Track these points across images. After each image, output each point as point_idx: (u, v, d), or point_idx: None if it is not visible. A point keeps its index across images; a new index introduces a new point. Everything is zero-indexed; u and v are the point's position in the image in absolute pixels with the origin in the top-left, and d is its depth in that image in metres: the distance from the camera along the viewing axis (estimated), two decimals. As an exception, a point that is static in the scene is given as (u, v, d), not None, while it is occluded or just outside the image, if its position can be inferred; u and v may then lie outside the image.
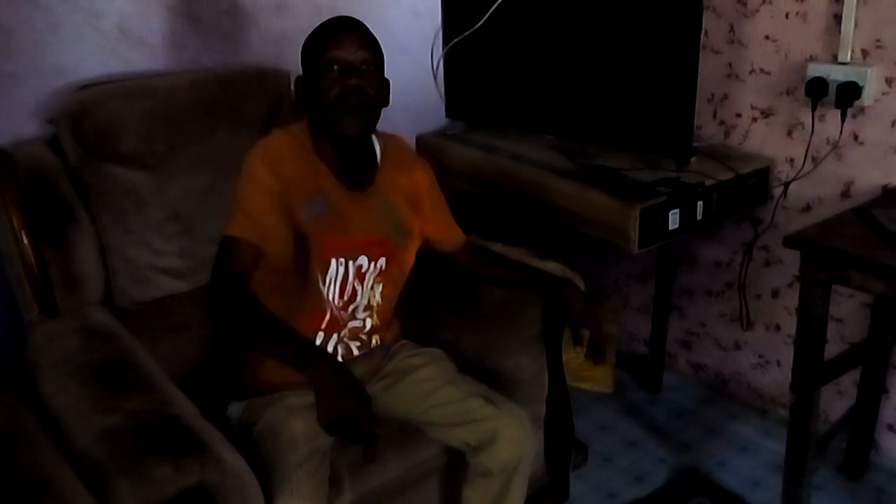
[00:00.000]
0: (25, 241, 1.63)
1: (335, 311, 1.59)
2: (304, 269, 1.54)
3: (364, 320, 1.63)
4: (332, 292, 1.57)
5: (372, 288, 1.62)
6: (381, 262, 1.61)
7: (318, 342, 1.59)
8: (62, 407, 1.43)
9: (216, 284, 1.50)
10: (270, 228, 1.49)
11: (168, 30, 1.97)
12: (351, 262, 1.57)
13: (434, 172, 1.75)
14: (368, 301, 1.62)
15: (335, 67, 1.47)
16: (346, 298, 1.58)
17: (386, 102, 1.58)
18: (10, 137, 1.74)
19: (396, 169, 1.66)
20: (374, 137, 1.65)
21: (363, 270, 1.59)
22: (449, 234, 1.78)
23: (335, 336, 1.61)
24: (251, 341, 1.53)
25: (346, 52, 1.47)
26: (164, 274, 1.81)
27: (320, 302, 1.57)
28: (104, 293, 1.77)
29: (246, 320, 1.46)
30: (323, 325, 1.59)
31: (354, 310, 1.61)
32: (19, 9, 1.76)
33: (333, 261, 1.55)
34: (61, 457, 1.33)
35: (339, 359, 1.61)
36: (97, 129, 1.70)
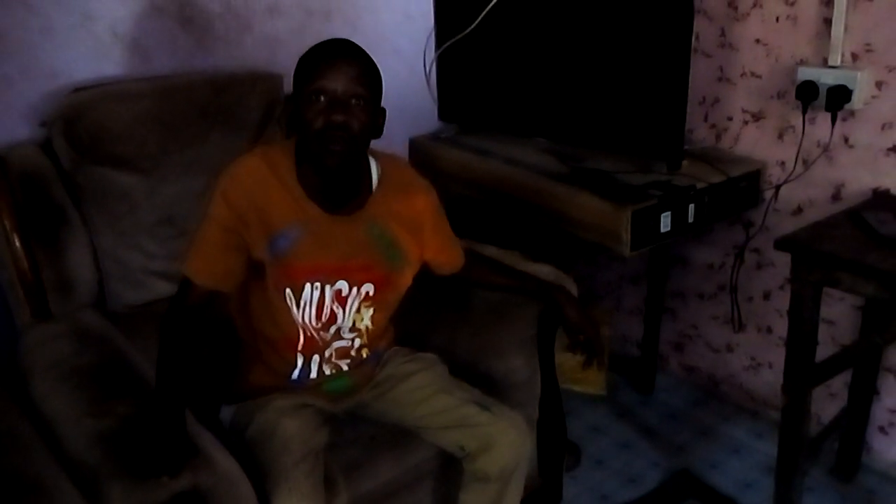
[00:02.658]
0: (18, 244, 1.63)
1: (311, 333, 1.56)
2: (268, 293, 1.52)
3: (352, 340, 1.61)
4: (307, 315, 1.53)
5: (359, 311, 1.58)
6: (368, 287, 1.56)
7: (298, 363, 1.58)
8: (55, 410, 1.43)
9: (168, 313, 1.49)
10: (222, 266, 1.47)
11: (161, 33, 1.97)
12: (328, 287, 1.52)
13: (437, 193, 1.69)
14: (354, 324, 1.59)
15: (322, 98, 1.39)
16: (324, 320, 1.55)
17: (377, 134, 1.50)
18: (2, 140, 1.74)
19: (394, 194, 1.59)
20: (371, 161, 1.58)
21: (343, 295, 1.55)
22: (450, 259, 1.74)
23: (317, 357, 1.59)
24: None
25: (336, 83, 1.39)
26: (156, 277, 1.80)
27: (291, 324, 1.54)
28: (97, 296, 1.77)
29: (166, 350, 1.44)
30: (299, 347, 1.57)
31: (338, 330, 1.58)
32: (12, 12, 1.75)
33: (308, 285, 1.51)
34: (54, 460, 1.33)
35: (327, 374, 1.61)
36: (90, 132, 1.70)
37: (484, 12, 2.29)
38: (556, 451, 1.98)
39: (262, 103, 1.92)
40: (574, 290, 1.83)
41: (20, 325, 1.69)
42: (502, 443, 1.57)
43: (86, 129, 1.70)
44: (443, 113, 2.56)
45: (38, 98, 1.81)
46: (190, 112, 1.82)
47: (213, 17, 2.04)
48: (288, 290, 1.51)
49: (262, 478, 1.40)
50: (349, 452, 1.60)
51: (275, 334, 1.57)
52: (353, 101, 1.41)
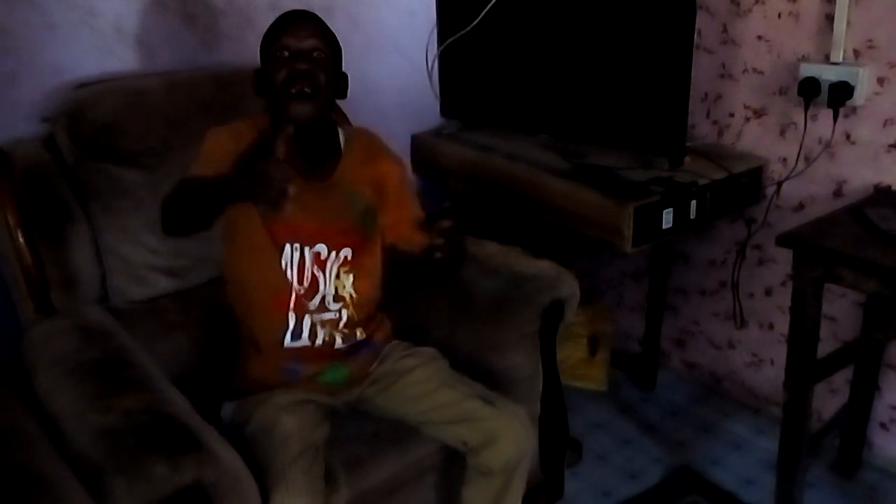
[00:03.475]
0: (21, 240, 1.63)
1: (300, 295, 1.59)
2: (256, 250, 1.56)
3: (339, 311, 1.63)
4: (290, 276, 1.58)
5: (339, 277, 1.62)
6: (346, 252, 1.62)
7: (290, 323, 1.59)
8: (59, 406, 1.44)
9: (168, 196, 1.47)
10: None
11: (164, 29, 1.97)
12: (307, 249, 1.58)
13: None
14: (337, 291, 1.62)
15: (285, 53, 1.50)
16: (306, 285, 1.59)
17: (342, 95, 1.61)
18: (6, 136, 1.74)
19: (362, 160, 1.67)
20: (339, 130, 1.67)
21: (322, 258, 1.59)
22: (410, 235, 1.67)
23: (308, 318, 1.60)
24: (189, 208, 1.44)
25: (296, 38, 1.51)
26: (159, 273, 1.81)
27: (282, 281, 1.58)
28: (100, 292, 1.77)
29: (180, 195, 1.45)
30: (291, 306, 1.59)
31: (323, 300, 1.61)
32: (15, 8, 1.76)
33: (288, 246, 1.57)
34: (58, 456, 1.33)
35: (320, 342, 1.61)
36: (93, 128, 1.70)
37: (486, 9, 2.29)
38: (557, 447, 1.98)
39: (264, 99, 1.92)
40: (576, 286, 1.84)
41: (24, 320, 1.70)
42: (506, 437, 1.58)
43: (89, 125, 1.71)
44: (445, 109, 2.56)
45: (42, 94, 1.81)
46: (193, 108, 1.83)
47: (217, 13, 2.05)
48: (271, 248, 1.56)
49: (261, 474, 1.40)
50: (351, 448, 1.61)
51: (268, 294, 1.58)
52: (315, 53, 1.52)
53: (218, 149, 1.53)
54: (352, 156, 1.67)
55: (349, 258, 1.62)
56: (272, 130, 1.54)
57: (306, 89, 1.50)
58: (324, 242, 1.60)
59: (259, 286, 1.60)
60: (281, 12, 2.11)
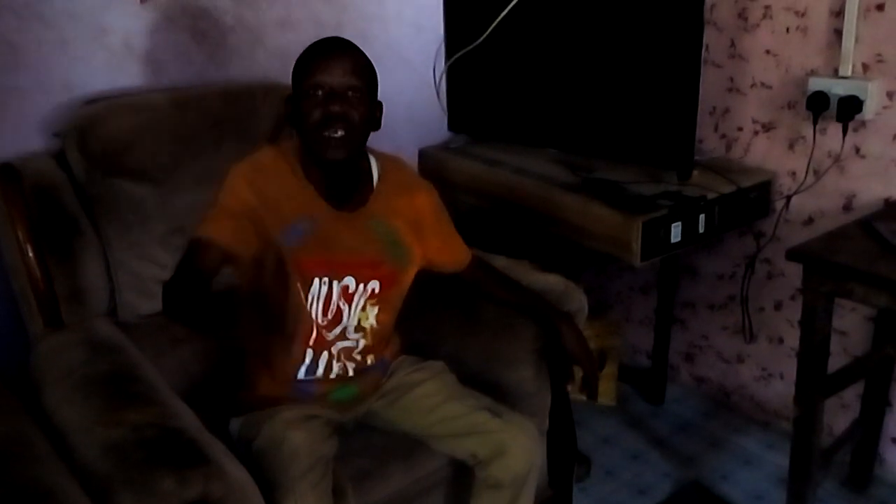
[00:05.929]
0: (31, 255, 1.64)
1: (320, 329, 1.57)
2: (284, 287, 1.52)
3: (357, 341, 1.62)
4: (315, 310, 1.55)
5: (364, 309, 1.60)
6: (374, 285, 1.59)
7: (306, 359, 1.58)
8: (66, 419, 1.44)
9: (174, 277, 1.45)
10: (240, 230, 1.47)
11: (173, 46, 1.98)
12: (336, 282, 1.55)
13: (438, 192, 1.73)
14: (360, 322, 1.60)
15: (319, 92, 1.46)
16: (329, 317, 1.57)
17: (376, 126, 1.57)
18: (16, 151, 1.75)
19: (396, 192, 1.64)
20: (372, 158, 1.64)
21: (350, 291, 1.57)
22: (453, 257, 1.76)
23: (325, 354, 1.59)
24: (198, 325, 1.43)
25: (331, 77, 1.46)
26: (168, 287, 1.81)
27: (305, 320, 1.55)
28: (109, 306, 1.78)
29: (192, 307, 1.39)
30: (311, 343, 1.58)
31: (343, 330, 1.59)
32: (27, 25, 1.77)
33: (316, 280, 1.54)
34: (65, 469, 1.33)
35: (333, 376, 1.61)
36: (103, 143, 1.71)
37: (494, 24, 2.30)
38: (566, 462, 1.97)
39: (273, 114, 1.93)
40: (584, 300, 1.83)
41: (33, 334, 1.70)
42: (514, 449, 1.57)
43: (99, 141, 1.72)
44: (452, 123, 2.57)
45: (53, 110, 1.82)
46: (203, 123, 1.84)
47: (226, 30, 2.06)
48: (297, 284, 1.53)
49: (269, 489, 1.40)
50: (359, 462, 1.60)
51: (287, 332, 1.55)
52: (350, 92, 1.48)
53: (238, 184, 1.50)
54: (385, 188, 1.63)
55: (376, 291, 1.60)
56: (302, 161, 1.56)
57: (340, 130, 1.47)
58: (353, 275, 1.56)
59: (280, 322, 1.54)
60: (290, 29, 2.16)
